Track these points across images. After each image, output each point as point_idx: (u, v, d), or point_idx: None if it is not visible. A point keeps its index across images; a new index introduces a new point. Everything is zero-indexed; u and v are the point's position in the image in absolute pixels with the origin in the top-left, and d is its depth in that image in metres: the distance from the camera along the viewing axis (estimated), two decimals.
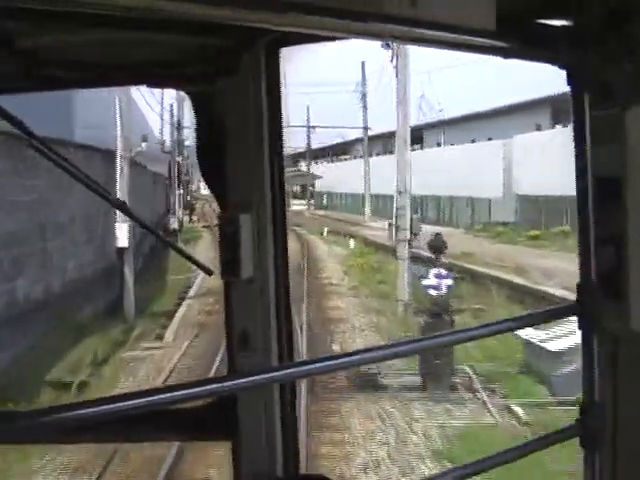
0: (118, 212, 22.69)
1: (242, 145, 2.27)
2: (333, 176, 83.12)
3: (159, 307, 26.03)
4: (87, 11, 1.30)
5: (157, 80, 2.54)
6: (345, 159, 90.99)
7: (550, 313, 2.17)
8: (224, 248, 2.24)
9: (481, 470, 1.82)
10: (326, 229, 54.26)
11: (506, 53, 1.83)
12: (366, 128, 66.16)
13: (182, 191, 57.28)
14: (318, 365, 1.70)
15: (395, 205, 24.22)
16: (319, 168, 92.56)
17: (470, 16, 1.63)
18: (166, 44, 2.18)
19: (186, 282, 32.13)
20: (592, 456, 1.97)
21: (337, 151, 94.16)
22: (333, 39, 1.97)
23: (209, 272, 2.75)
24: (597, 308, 1.92)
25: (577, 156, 1.94)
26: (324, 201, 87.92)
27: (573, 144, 1.94)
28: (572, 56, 1.88)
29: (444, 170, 52.11)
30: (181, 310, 25.64)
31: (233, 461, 2.34)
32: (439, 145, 63.86)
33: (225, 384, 1.55)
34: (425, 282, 17.16)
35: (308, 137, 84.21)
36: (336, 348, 19.57)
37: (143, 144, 23.49)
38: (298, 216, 73.15)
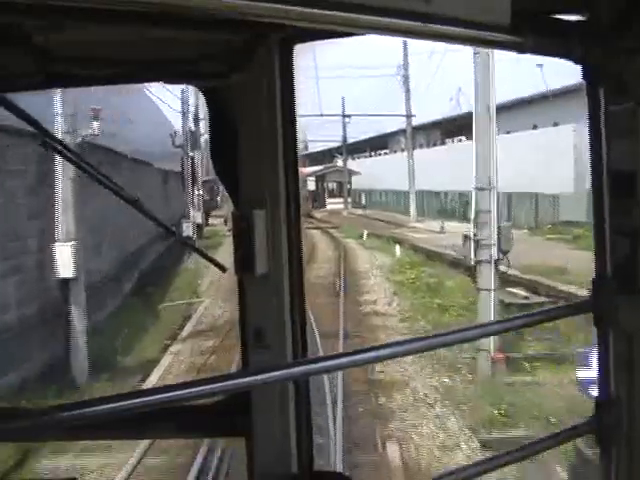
0: (60, 229, 15.26)
1: (255, 141, 2.32)
2: (372, 172, 76.08)
3: (135, 357, 18.29)
4: (100, 7, 1.30)
5: (170, 76, 2.57)
6: (385, 153, 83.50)
7: (564, 310, 2.17)
8: (238, 244, 2.26)
9: (497, 467, 1.81)
10: (366, 232, 46.67)
11: (520, 48, 1.78)
12: (410, 116, 57.81)
13: (201, 191, 50.62)
14: (333, 362, 1.64)
15: (473, 208, 16.30)
16: (356, 164, 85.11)
17: (484, 11, 1.62)
18: (179, 40, 2.17)
19: (186, 310, 24.79)
20: (608, 453, 1.92)
21: (375, 145, 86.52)
22: (347, 35, 2.05)
23: (223, 269, 2.71)
24: (613, 303, 1.88)
25: (592, 150, 1.92)
26: (362, 199, 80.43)
27: (588, 138, 1.89)
28: (587, 51, 1.85)
29: (500, 162, 45.24)
30: (164, 362, 17.93)
31: (247, 457, 2.39)
32: None
33: (239, 380, 1.55)
34: (581, 374, 8.97)
35: (344, 129, 76.62)
36: (394, 450, 11.76)
37: (94, 124, 16.03)
38: (334, 216, 65.80)
